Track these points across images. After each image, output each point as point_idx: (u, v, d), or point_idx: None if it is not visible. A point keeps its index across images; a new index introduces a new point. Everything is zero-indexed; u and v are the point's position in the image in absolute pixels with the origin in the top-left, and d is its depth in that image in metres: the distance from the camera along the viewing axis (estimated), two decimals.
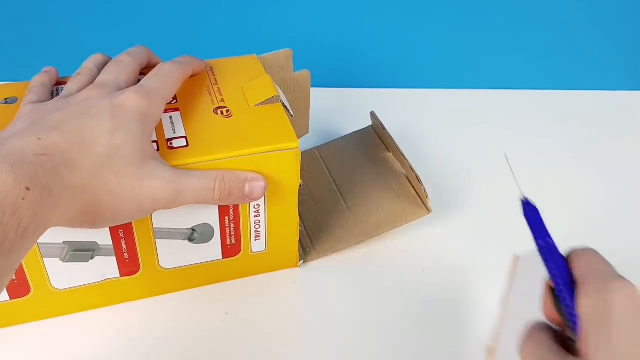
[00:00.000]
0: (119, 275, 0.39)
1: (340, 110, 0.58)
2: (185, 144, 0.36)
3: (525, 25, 0.62)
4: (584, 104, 0.63)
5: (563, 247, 0.28)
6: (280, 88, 0.43)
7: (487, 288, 0.42)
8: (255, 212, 0.39)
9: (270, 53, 0.45)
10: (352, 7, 0.60)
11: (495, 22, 0.61)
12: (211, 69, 0.43)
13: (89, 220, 0.31)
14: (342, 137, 0.53)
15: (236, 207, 0.38)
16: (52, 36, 0.61)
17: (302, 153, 0.38)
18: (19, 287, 0.37)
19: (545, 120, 0.60)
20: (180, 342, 0.39)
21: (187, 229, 0.38)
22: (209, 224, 0.39)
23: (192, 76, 0.41)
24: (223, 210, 0.38)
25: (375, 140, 0.52)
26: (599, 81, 0.65)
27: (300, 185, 0.39)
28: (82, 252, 0.37)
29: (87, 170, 0.30)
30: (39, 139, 0.30)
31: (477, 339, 0.39)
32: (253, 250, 0.41)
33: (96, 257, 0.37)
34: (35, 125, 0.31)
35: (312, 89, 0.49)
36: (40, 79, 0.38)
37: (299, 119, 0.49)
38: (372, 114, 0.51)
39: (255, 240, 0.41)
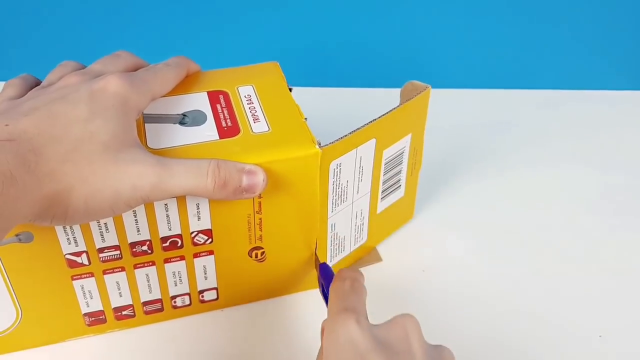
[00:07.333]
0: None
1: (337, 110, 0.58)
2: None
3: (524, 25, 0.61)
4: (584, 104, 0.63)
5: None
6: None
7: (488, 286, 0.42)
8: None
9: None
10: (351, 6, 0.60)
11: (494, 21, 0.61)
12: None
13: (61, 212, 0.29)
14: None
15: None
16: (53, 37, 0.62)
17: None
18: None
19: (545, 120, 0.60)
20: None
21: None
22: None
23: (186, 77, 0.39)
24: None
25: None
26: (599, 81, 0.64)
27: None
28: None
29: (58, 157, 0.28)
30: (7, 125, 0.28)
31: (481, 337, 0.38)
32: None
33: None
34: (6, 113, 0.29)
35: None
36: (21, 75, 0.36)
37: None
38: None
39: None
